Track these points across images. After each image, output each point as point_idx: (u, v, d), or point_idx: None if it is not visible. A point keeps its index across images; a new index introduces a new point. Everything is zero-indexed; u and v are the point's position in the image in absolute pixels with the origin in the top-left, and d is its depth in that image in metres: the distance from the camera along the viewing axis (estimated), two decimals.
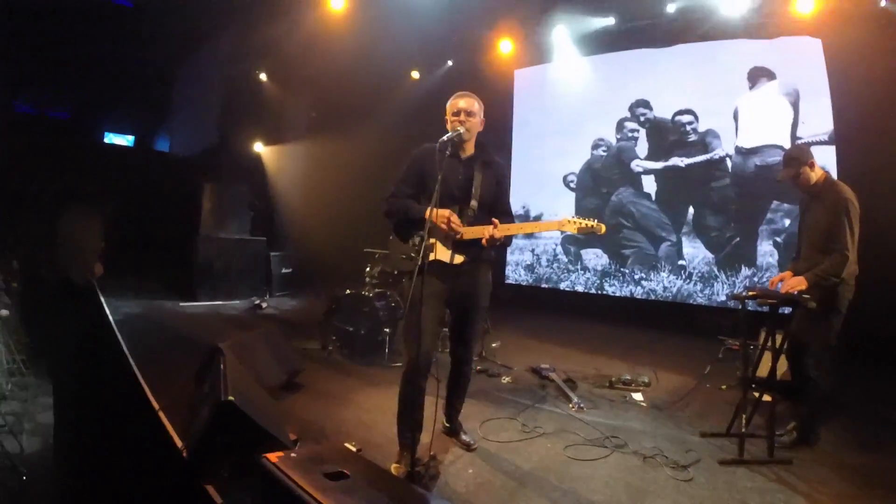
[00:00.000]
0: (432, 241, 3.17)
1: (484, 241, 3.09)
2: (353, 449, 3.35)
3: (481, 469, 3.32)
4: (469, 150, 3.31)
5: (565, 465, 3.41)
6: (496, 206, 3.34)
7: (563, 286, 8.61)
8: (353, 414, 4.08)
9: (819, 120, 6.75)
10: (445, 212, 3.08)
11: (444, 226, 3.10)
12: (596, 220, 2.97)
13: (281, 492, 2.16)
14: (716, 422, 4.15)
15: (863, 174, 3.61)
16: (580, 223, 2.95)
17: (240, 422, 2.60)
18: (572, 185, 8.66)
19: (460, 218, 3.18)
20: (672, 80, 7.87)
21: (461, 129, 3.14)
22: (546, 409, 4.38)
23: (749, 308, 3.88)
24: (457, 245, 3.18)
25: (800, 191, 3.93)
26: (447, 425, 3.70)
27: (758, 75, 7.29)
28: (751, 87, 7.35)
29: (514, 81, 9.28)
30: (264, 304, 8.03)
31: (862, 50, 6.23)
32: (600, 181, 8.46)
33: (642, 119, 8.15)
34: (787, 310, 3.94)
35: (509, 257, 9.07)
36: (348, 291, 5.72)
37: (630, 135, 8.22)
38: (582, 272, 8.48)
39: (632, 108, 8.21)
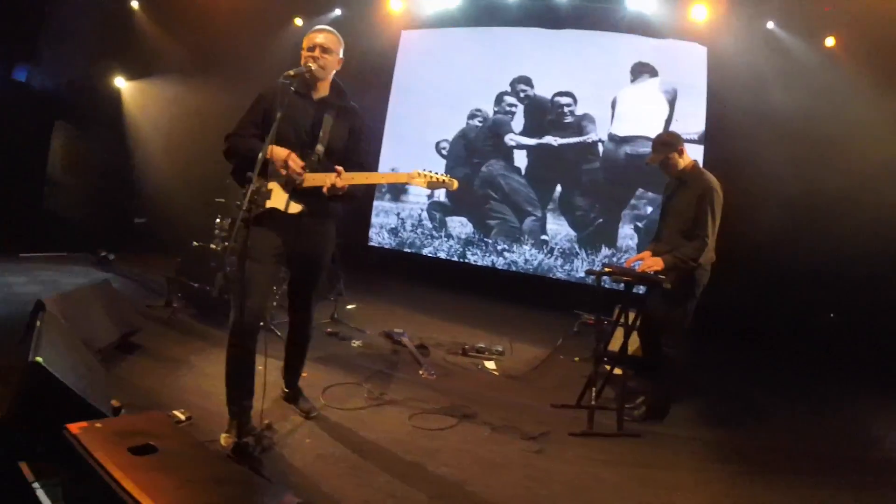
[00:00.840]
0: (270, 186, 2.74)
1: (325, 188, 2.69)
2: (182, 417, 2.88)
3: (320, 439, 2.93)
4: (323, 90, 2.92)
5: (412, 436, 3.09)
6: (348, 156, 2.93)
7: (426, 252, 8.35)
8: (193, 380, 3.52)
9: (692, 120, 7.10)
10: (284, 152, 2.67)
11: (282, 169, 2.68)
12: (448, 175, 2.71)
13: (82, 468, 1.84)
14: (568, 394, 4.03)
15: (726, 173, 3.68)
16: (430, 177, 2.67)
17: (50, 387, 2.24)
18: (444, 152, 8.38)
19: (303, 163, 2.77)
20: (557, 63, 7.87)
21: (312, 66, 2.73)
22: (396, 376, 4.05)
23: (605, 285, 3.82)
24: (296, 193, 2.74)
25: (667, 175, 3.90)
26: (286, 390, 3.29)
27: (641, 70, 7.49)
28: (632, 81, 7.53)
29: (400, 42, 8.74)
30: (111, 257, 6.94)
31: (743, 63, 6.69)
32: (473, 151, 8.27)
33: (522, 95, 8.06)
34: (642, 289, 3.98)
35: (374, 219, 8.65)
36: (195, 244, 5.05)
37: (508, 109, 8.11)
38: (446, 239, 8.26)
39: (513, 84, 8.08)
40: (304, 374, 3.38)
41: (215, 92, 8.07)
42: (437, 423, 3.26)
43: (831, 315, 6.66)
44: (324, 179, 2.69)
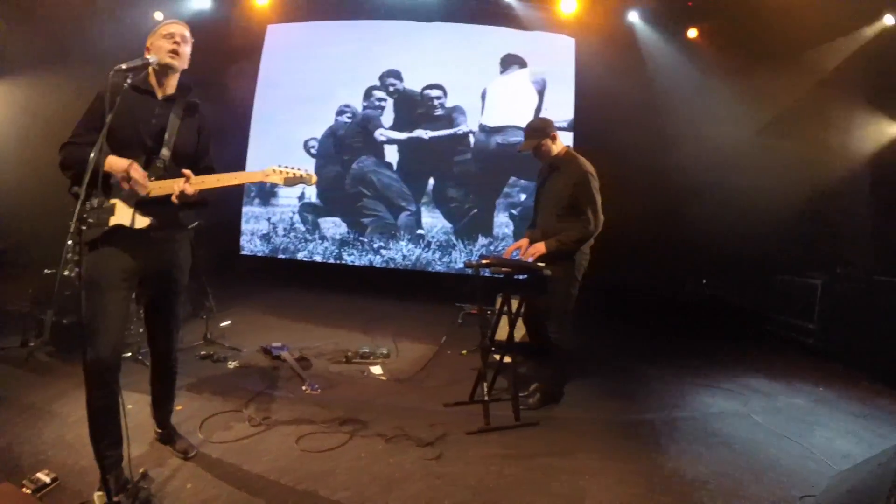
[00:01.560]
0: (112, 200, 2.36)
1: (174, 196, 2.36)
2: (47, 480, 2.39)
3: (203, 482, 2.56)
4: (170, 87, 2.56)
5: (302, 461, 2.79)
6: (198, 159, 2.61)
7: (300, 256, 7.94)
8: (56, 431, 2.94)
9: (561, 109, 7.36)
10: (124, 163, 2.31)
11: (124, 182, 2.32)
12: (306, 170, 2.48)
13: None
14: (460, 390, 3.93)
15: (595, 159, 3.72)
16: (287, 172, 2.45)
17: None
18: (313, 150, 8.00)
19: (147, 170, 2.40)
20: (427, 55, 7.79)
21: (151, 59, 2.39)
22: (278, 395, 3.69)
23: (486, 274, 3.79)
24: (141, 204, 2.38)
25: (540, 161, 3.89)
26: (159, 431, 2.87)
27: (510, 62, 7.63)
28: (502, 72, 7.65)
29: (266, 37, 8.19)
30: None
31: (607, 55, 7.05)
32: (342, 148, 7.97)
33: (391, 89, 7.89)
34: (523, 276, 3.93)
35: (244, 226, 8.08)
36: (47, 271, 4.35)
37: (377, 103, 7.91)
38: (320, 241, 7.90)
39: (382, 78, 7.90)
40: (178, 408, 3.01)
41: (73, 94, 7.05)
42: (327, 442, 2.99)
43: (704, 282, 7.21)
44: (171, 186, 2.36)
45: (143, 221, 2.38)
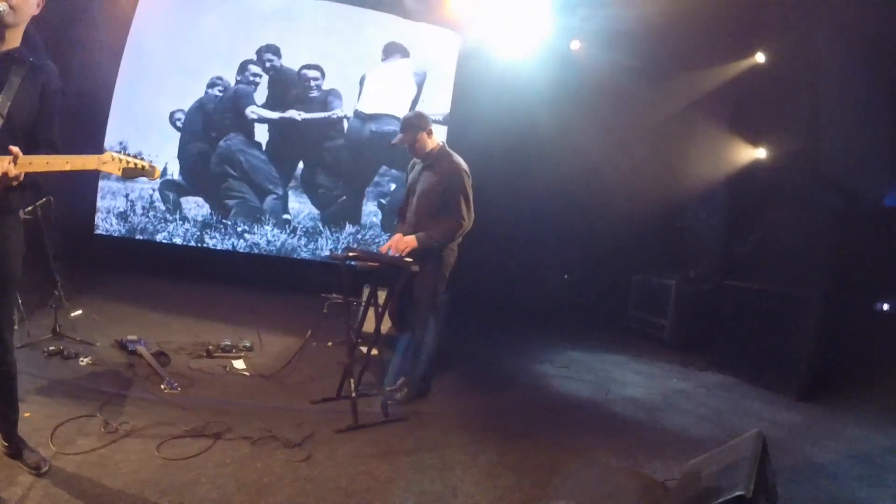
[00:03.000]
0: None
1: None
2: None
3: (60, 499, 2.32)
4: (11, 41, 2.18)
5: (163, 471, 2.63)
6: (35, 132, 2.27)
7: (159, 238, 7.36)
8: None
9: (438, 102, 7.50)
10: None
11: None
12: (150, 162, 2.26)
13: None
14: (327, 385, 3.93)
15: (466, 156, 3.85)
16: (126, 162, 2.18)
17: None
18: (179, 124, 7.41)
19: None
20: (309, 34, 7.53)
21: (1, 6, 2.02)
22: (135, 397, 3.43)
23: (353, 265, 3.68)
24: None
25: (413, 156, 3.95)
26: (6, 444, 2.52)
27: (393, 50, 7.58)
28: (383, 60, 7.59)
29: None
30: None
31: (489, 55, 7.22)
32: (210, 124, 7.48)
33: (268, 65, 7.52)
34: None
35: (99, 203, 7.26)
36: None
37: (251, 79, 7.50)
38: (181, 222, 7.39)
39: (260, 52, 7.49)
40: (25, 415, 2.72)
41: None
42: (189, 448, 2.85)
43: (565, 276, 7.76)
44: None
45: None
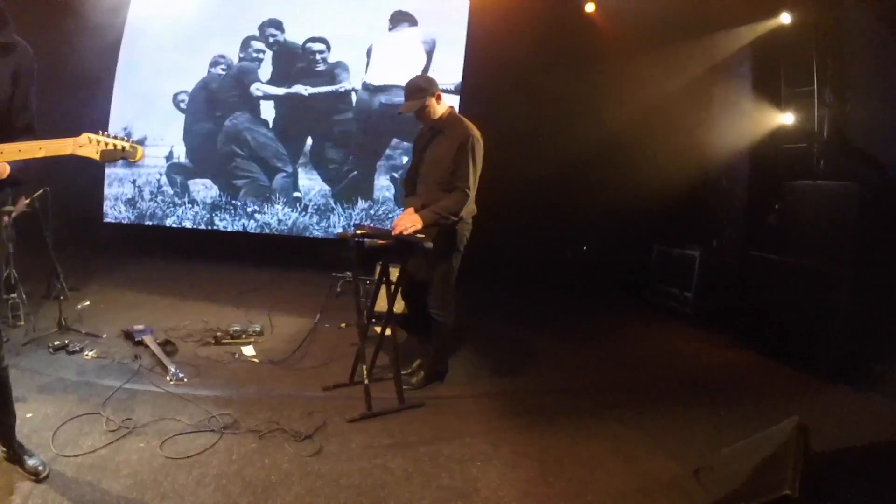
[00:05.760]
0: None
1: None
2: None
3: None
4: None
5: (166, 470, 2.51)
6: (10, 117, 2.11)
7: (169, 222, 7.29)
8: None
9: (449, 71, 7.16)
10: None
11: None
12: (130, 142, 2.03)
13: None
14: (339, 369, 3.80)
15: (480, 126, 3.59)
16: (105, 144, 1.97)
17: None
18: (183, 105, 7.28)
19: None
20: (311, 6, 7.29)
21: None
22: (140, 390, 3.31)
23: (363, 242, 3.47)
24: None
25: (423, 123, 3.67)
26: (4, 450, 2.42)
27: (400, 19, 7.29)
28: (390, 29, 7.30)
29: None
30: None
31: (501, 20, 6.86)
32: (215, 103, 7.32)
33: (271, 40, 7.31)
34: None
35: (107, 190, 7.24)
36: None
37: (255, 55, 7.32)
38: (190, 206, 7.29)
39: (262, 28, 7.28)
40: (27, 415, 2.63)
41: None
42: (194, 445, 2.73)
43: (584, 248, 7.53)
44: None
45: None
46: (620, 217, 7.11)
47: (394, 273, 3.64)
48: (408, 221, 3.34)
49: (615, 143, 7.06)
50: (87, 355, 3.76)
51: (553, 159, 7.05)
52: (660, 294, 6.91)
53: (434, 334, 3.72)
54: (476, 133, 3.51)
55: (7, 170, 1.96)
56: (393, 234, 3.37)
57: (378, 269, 4.64)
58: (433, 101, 3.50)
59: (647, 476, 2.84)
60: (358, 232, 3.36)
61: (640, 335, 5.76)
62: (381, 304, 3.79)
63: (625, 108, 7.01)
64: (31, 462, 2.40)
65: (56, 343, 3.85)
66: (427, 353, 3.80)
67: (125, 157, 1.99)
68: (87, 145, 1.93)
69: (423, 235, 3.31)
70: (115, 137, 1.96)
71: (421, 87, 3.50)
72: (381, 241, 3.38)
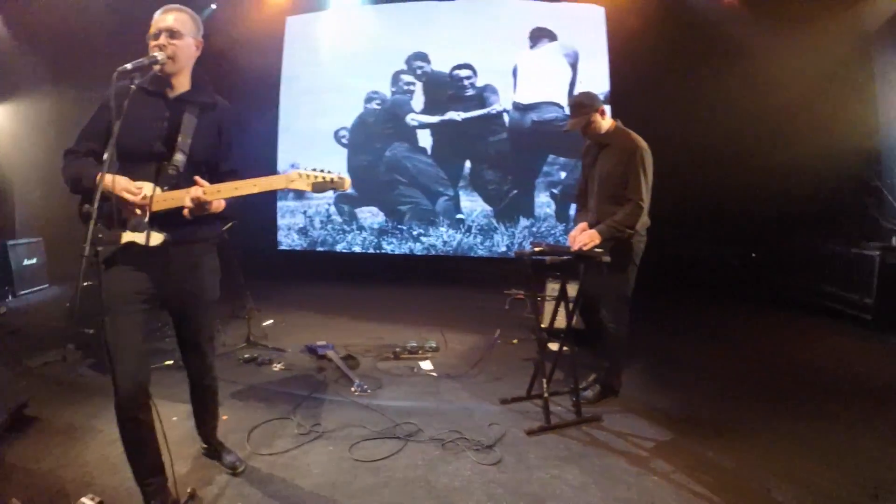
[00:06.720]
0: (125, 216, 2.12)
1: (186, 210, 2.11)
2: None
3: (252, 500, 2.41)
4: (181, 86, 2.28)
5: (353, 472, 2.63)
6: (217, 163, 2.35)
7: (339, 248, 7.88)
8: (98, 450, 2.82)
9: (596, 80, 7.05)
10: (119, 182, 2.05)
11: (125, 195, 2.07)
12: (338, 174, 2.16)
13: None
14: (514, 383, 3.76)
15: (636, 132, 3.41)
16: (314, 177, 2.11)
17: None
18: (344, 140, 7.88)
19: (158, 179, 2.14)
20: (451, 35, 7.59)
21: (159, 56, 2.08)
22: (326, 399, 3.54)
23: (541, 260, 3.45)
24: (156, 218, 2.13)
25: (589, 139, 3.61)
26: (205, 446, 2.73)
27: (539, 35, 7.35)
28: (531, 47, 7.36)
29: (286, 29, 8.08)
30: (2, 310, 5.86)
31: (640, 19, 6.74)
32: (373, 136, 7.84)
33: (419, 72, 7.71)
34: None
35: (280, 221, 8.08)
36: (85, 283, 4.27)
37: (406, 88, 7.74)
38: (358, 232, 7.81)
39: (409, 61, 7.72)
40: (223, 418, 2.90)
41: (90, 102, 7.06)
42: (380, 450, 2.83)
43: (753, 255, 6.84)
44: (182, 198, 2.10)
45: (157, 238, 2.13)
46: (789, 216, 6.34)
47: (566, 289, 3.55)
48: (586, 237, 3.31)
49: (770, 137, 6.39)
50: (274, 367, 4.12)
51: (711, 161, 6.51)
52: (832, 298, 5.96)
53: (609, 348, 3.59)
54: (643, 144, 3.40)
55: (223, 205, 2.21)
56: (572, 249, 3.33)
57: (549, 286, 4.60)
58: (597, 116, 3.45)
59: (822, 497, 2.46)
60: (536, 249, 3.37)
61: (813, 345, 5.00)
62: (554, 321, 3.72)
63: (780, 95, 6.32)
64: (228, 458, 2.67)
65: (246, 356, 4.28)
66: (601, 367, 3.67)
67: (335, 187, 2.13)
68: (297, 180, 2.09)
69: (600, 250, 3.24)
70: (323, 171, 2.12)
71: (584, 104, 3.47)
72: (561, 257, 3.35)
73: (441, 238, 7.55)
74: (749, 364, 4.39)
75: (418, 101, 7.69)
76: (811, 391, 3.81)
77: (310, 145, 7.93)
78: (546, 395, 3.23)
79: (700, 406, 3.52)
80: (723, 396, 3.68)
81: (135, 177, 2.10)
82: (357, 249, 7.80)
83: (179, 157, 2.19)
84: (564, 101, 7.15)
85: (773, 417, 3.33)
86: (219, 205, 2.19)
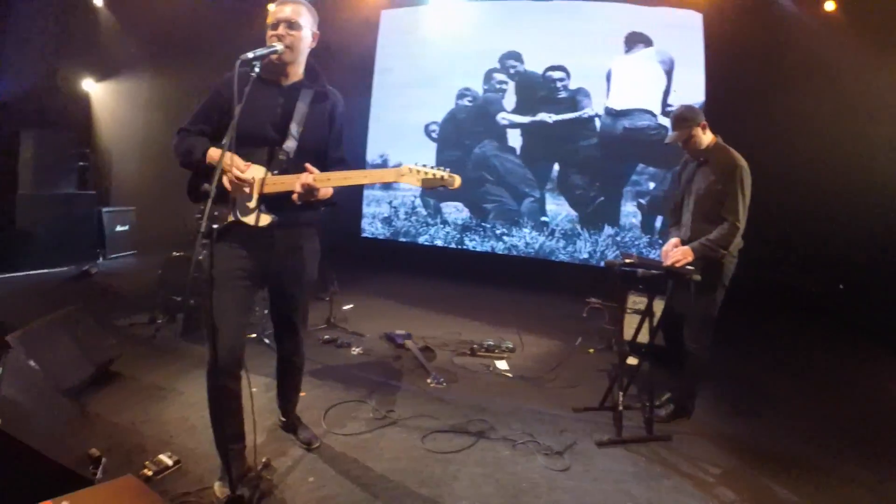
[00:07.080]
0: (234, 197, 2.30)
1: (295, 195, 2.23)
2: (170, 463, 2.50)
3: (324, 476, 2.57)
4: (294, 75, 2.42)
5: (424, 462, 2.75)
6: (327, 151, 2.50)
7: (421, 240, 8.04)
8: (179, 411, 3.10)
9: (691, 90, 6.78)
10: (226, 158, 2.14)
11: (237, 172, 2.22)
12: (448, 171, 2.19)
13: None
14: (587, 392, 3.76)
15: (732, 145, 3.32)
16: (425, 174, 2.15)
17: (14, 454, 1.94)
18: (434, 135, 8.02)
19: (270, 164, 2.28)
20: (546, 36, 7.51)
21: (278, 46, 2.23)
22: (401, 388, 3.69)
23: (633, 271, 3.38)
24: (264, 202, 2.28)
25: (688, 154, 3.54)
26: (283, 419, 2.93)
27: (635, 40, 7.16)
28: (626, 52, 7.19)
29: (381, 23, 8.30)
30: (94, 271, 6.54)
31: (739, 28, 6.40)
32: (463, 133, 7.91)
33: (512, 71, 7.69)
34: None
35: (365, 209, 8.34)
36: (176, 253, 4.72)
37: (498, 87, 7.75)
38: (441, 226, 7.94)
39: (502, 60, 7.72)
40: (301, 394, 3.06)
41: (189, 83, 7.61)
42: (451, 443, 2.94)
43: (840, 286, 6.43)
44: (292, 184, 2.22)
45: (265, 219, 2.27)
46: (885, 244, 5.89)
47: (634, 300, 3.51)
48: (679, 254, 3.28)
49: (879, 158, 5.93)
50: (353, 351, 4.33)
51: (809, 182, 6.13)
52: None
53: (687, 369, 3.52)
54: (743, 163, 3.31)
55: (331, 192, 2.35)
56: (664, 264, 3.30)
57: (630, 298, 4.55)
58: (699, 130, 3.40)
59: None
60: (626, 260, 3.33)
61: None
62: (630, 334, 3.68)
63: (875, 123, 5.89)
64: (304, 434, 2.86)
65: (326, 337, 4.52)
66: (676, 387, 3.62)
67: (444, 184, 2.19)
68: (407, 174, 2.17)
69: (691, 268, 3.19)
70: (434, 168, 2.19)
71: (686, 118, 3.41)
72: (652, 271, 3.31)
73: (524, 239, 7.55)
74: (836, 402, 4.11)
75: (510, 100, 7.69)
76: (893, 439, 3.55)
77: (400, 137, 8.12)
78: (620, 408, 3.23)
79: (774, 439, 3.38)
80: (800, 432, 3.49)
81: (248, 160, 2.26)
82: (439, 243, 7.94)
83: (290, 144, 2.33)
84: (658, 109, 6.97)
85: (856, 462, 3.13)
86: (326, 192, 2.32)
